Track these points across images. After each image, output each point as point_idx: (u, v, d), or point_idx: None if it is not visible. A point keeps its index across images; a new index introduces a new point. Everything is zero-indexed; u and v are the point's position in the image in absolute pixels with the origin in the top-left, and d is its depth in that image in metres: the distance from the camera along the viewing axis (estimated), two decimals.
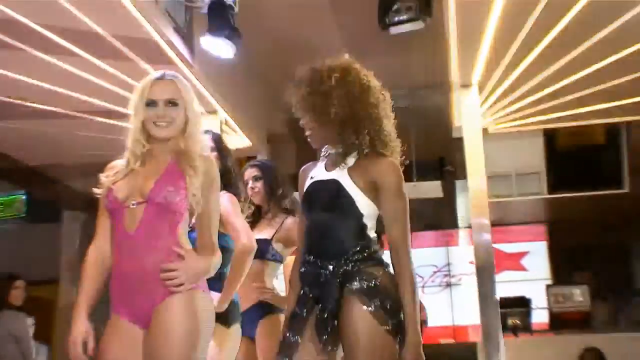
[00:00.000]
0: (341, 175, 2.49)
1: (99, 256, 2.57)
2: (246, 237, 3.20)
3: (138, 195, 2.48)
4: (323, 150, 2.60)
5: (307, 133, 2.54)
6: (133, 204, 2.47)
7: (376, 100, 2.51)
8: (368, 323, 2.36)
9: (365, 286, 2.42)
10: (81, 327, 2.45)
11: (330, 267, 2.45)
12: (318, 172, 2.56)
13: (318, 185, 2.53)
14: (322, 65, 2.53)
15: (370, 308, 2.37)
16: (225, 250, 2.82)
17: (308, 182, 2.56)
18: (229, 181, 3.38)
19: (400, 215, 2.48)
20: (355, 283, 2.43)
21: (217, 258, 2.53)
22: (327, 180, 2.51)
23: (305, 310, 2.45)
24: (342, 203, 2.48)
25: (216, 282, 3.03)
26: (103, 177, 2.58)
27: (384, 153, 2.50)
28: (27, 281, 5.96)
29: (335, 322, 2.40)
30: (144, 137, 2.54)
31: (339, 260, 2.46)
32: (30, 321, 5.94)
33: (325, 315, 2.41)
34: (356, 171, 2.49)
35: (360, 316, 2.37)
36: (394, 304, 2.40)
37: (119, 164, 2.59)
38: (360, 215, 2.49)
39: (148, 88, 2.54)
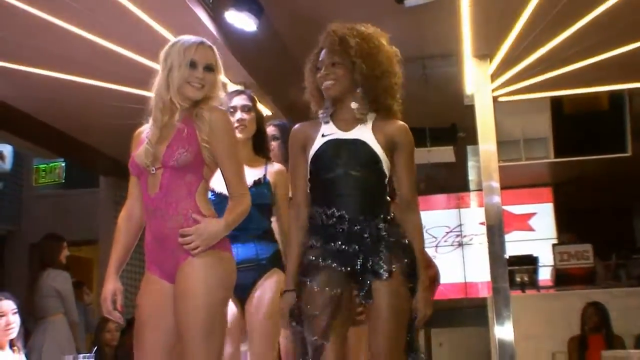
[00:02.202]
0: (365, 135, 2.47)
1: (129, 218, 2.60)
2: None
3: (156, 160, 2.48)
4: (322, 110, 2.55)
5: (329, 82, 2.47)
6: (153, 170, 2.47)
7: (399, 70, 2.51)
8: (398, 281, 2.39)
9: (399, 245, 2.44)
10: (110, 286, 2.50)
11: (364, 224, 2.42)
12: (329, 130, 2.50)
13: (341, 143, 2.47)
14: (365, 27, 2.52)
15: (402, 266, 2.41)
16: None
17: (321, 140, 2.49)
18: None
19: (412, 173, 2.52)
20: (391, 239, 2.43)
21: (243, 206, 2.49)
22: (353, 140, 2.47)
23: (341, 265, 2.38)
24: (371, 162, 2.46)
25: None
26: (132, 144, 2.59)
27: (396, 116, 2.52)
28: (68, 242, 6.04)
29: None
30: (178, 93, 2.51)
31: (371, 218, 2.43)
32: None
33: (365, 270, 2.39)
34: (377, 132, 2.48)
35: (394, 275, 2.39)
36: (415, 263, 2.43)
37: (145, 128, 2.59)
38: (385, 176, 2.48)
39: (193, 49, 2.51)
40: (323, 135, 2.50)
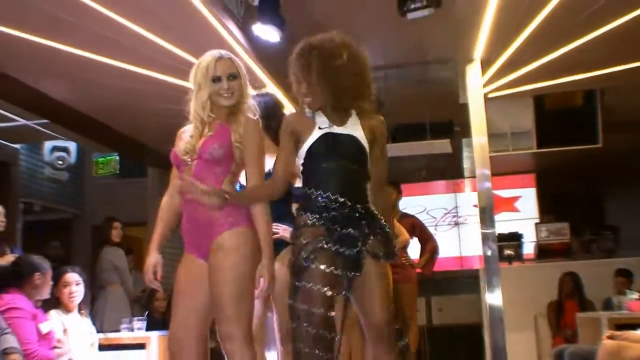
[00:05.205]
0: (358, 133, 2.42)
1: (170, 202, 2.62)
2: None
3: (193, 153, 2.47)
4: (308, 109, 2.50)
5: (308, 99, 2.41)
6: (189, 161, 2.47)
7: (370, 70, 2.45)
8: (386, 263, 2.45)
9: (385, 229, 2.41)
10: (152, 259, 2.52)
11: (360, 210, 2.37)
12: (325, 124, 2.43)
13: (337, 137, 2.41)
14: (331, 41, 2.42)
15: (390, 250, 2.43)
16: None
17: (318, 132, 2.42)
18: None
19: (385, 156, 2.50)
20: (381, 223, 2.41)
21: (254, 193, 2.49)
22: (347, 135, 2.42)
23: (344, 248, 2.32)
24: (361, 154, 2.43)
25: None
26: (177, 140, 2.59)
27: (373, 110, 2.48)
28: (122, 224, 6.08)
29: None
30: (209, 107, 2.51)
31: (362, 204, 2.39)
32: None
33: (363, 251, 2.35)
34: (364, 127, 2.44)
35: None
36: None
37: (187, 128, 2.58)
38: (368, 169, 2.45)
39: (213, 65, 2.49)
40: (320, 128, 2.43)
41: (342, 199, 2.34)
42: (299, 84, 2.46)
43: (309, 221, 2.35)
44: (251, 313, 2.45)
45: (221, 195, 2.36)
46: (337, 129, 2.42)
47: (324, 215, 2.34)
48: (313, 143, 2.41)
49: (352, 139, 2.41)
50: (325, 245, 2.30)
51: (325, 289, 2.26)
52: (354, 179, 2.40)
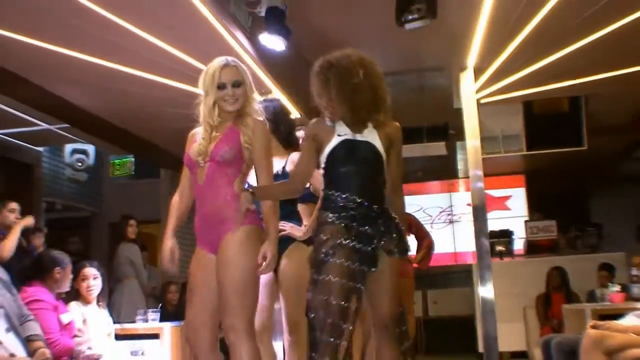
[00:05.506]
0: (375, 140, 2.45)
1: (180, 198, 2.65)
2: (319, 183, 3.13)
3: (206, 155, 2.47)
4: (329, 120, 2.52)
5: (329, 111, 2.45)
6: (202, 163, 2.47)
7: (384, 84, 2.48)
8: (400, 259, 2.47)
9: (401, 227, 2.45)
10: (168, 244, 2.54)
11: (377, 209, 2.40)
12: (344, 131, 2.46)
13: (355, 144, 2.44)
14: (348, 58, 2.44)
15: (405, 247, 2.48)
16: None
17: (338, 139, 2.45)
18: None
19: (402, 163, 2.54)
20: (396, 223, 2.44)
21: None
22: (364, 142, 2.45)
23: (361, 244, 2.36)
24: (377, 160, 2.46)
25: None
26: (187, 143, 2.59)
27: (389, 119, 2.51)
28: (136, 221, 6.07)
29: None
30: (216, 111, 2.51)
31: (378, 205, 2.41)
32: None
33: (378, 248, 2.38)
34: (381, 135, 2.46)
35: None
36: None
37: (197, 131, 2.58)
38: (384, 173, 2.48)
39: (218, 73, 2.48)
40: (338, 135, 2.46)
41: (360, 200, 2.38)
42: (319, 98, 2.50)
43: (329, 219, 2.39)
44: (254, 307, 2.46)
45: (249, 198, 2.42)
46: (355, 136, 2.46)
47: (343, 214, 2.37)
48: (333, 149, 2.45)
49: (369, 145, 2.44)
50: (344, 242, 2.33)
51: (343, 281, 2.28)
52: (371, 181, 2.44)
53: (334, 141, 2.45)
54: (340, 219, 2.37)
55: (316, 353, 2.25)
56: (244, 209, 2.41)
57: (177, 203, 2.62)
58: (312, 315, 2.31)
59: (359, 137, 2.45)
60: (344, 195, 2.38)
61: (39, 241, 4.08)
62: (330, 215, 2.39)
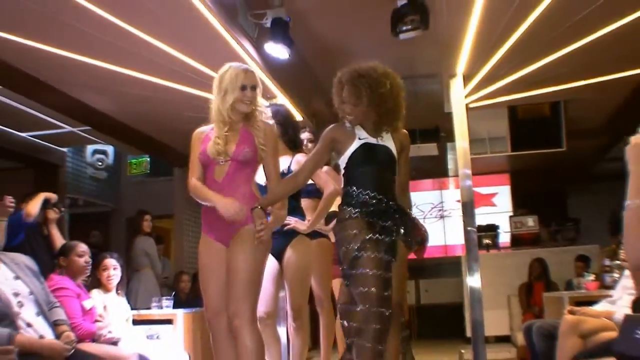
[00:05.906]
0: (391, 145, 2.54)
1: (200, 181, 2.56)
2: (333, 184, 3.15)
3: (225, 154, 2.47)
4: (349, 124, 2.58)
5: (351, 117, 2.50)
6: (222, 162, 2.47)
7: (404, 94, 2.55)
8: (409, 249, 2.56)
9: (414, 220, 2.56)
10: (229, 199, 2.45)
11: (393, 205, 2.47)
12: (364, 135, 2.53)
13: (374, 147, 2.51)
14: (376, 70, 2.49)
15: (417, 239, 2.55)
16: None
17: (358, 142, 2.51)
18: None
19: (409, 166, 2.64)
20: (410, 217, 2.55)
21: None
22: (382, 146, 2.52)
23: (384, 236, 2.40)
24: (392, 162, 2.54)
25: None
26: (195, 137, 2.59)
27: (401, 126, 2.60)
28: (152, 216, 6.08)
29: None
30: (232, 111, 2.52)
31: (394, 201, 2.49)
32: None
33: (397, 239, 2.44)
34: (395, 141, 2.55)
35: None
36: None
37: (205, 129, 2.60)
38: (396, 173, 2.57)
39: (242, 75, 2.50)
40: (359, 139, 2.52)
41: (380, 197, 2.45)
42: (342, 104, 2.54)
43: (353, 214, 2.44)
44: (257, 296, 2.48)
45: (260, 214, 2.44)
46: (373, 140, 2.53)
47: (363, 210, 2.43)
48: (354, 151, 2.51)
49: (385, 149, 2.52)
50: (373, 236, 2.38)
51: (380, 272, 2.32)
52: (387, 181, 2.52)
53: (355, 144, 2.52)
54: (362, 215, 2.42)
55: (365, 340, 2.26)
56: (258, 225, 2.41)
57: (200, 183, 2.53)
58: (351, 307, 2.34)
59: (378, 141, 2.53)
60: (365, 192, 2.45)
61: (53, 215, 4.05)
62: (353, 210, 2.44)
